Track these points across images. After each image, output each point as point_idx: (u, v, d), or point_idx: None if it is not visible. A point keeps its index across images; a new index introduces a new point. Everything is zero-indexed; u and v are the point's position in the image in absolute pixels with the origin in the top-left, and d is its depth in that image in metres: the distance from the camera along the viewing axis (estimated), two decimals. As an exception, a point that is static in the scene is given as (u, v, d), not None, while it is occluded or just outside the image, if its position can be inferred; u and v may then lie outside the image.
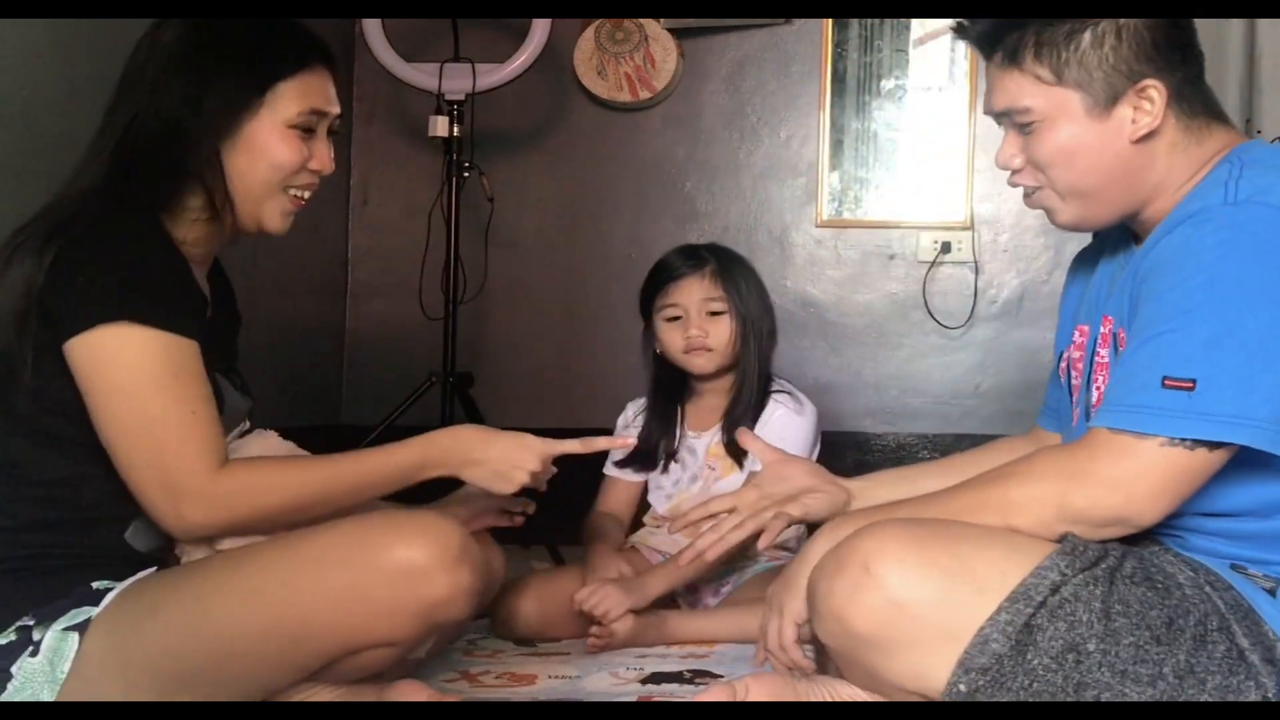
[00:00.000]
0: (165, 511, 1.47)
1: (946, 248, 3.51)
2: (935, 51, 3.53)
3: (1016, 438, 1.88)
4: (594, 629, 2.13)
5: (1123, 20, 1.45)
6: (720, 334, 2.36)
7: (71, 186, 1.57)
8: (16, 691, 1.42)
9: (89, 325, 1.44)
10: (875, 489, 1.79)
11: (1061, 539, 1.39)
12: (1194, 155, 1.47)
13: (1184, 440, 1.32)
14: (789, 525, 1.74)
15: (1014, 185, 1.57)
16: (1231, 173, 1.41)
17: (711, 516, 1.74)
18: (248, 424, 1.71)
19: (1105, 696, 1.32)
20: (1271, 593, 1.40)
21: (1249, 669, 1.34)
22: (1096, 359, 1.55)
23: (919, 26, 3.52)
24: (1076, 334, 1.62)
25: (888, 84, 3.55)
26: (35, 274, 1.46)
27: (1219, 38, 3.15)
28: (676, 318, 2.38)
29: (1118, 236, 1.61)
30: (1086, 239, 1.72)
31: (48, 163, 2.20)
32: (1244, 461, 1.37)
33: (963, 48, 3.48)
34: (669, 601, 2.33)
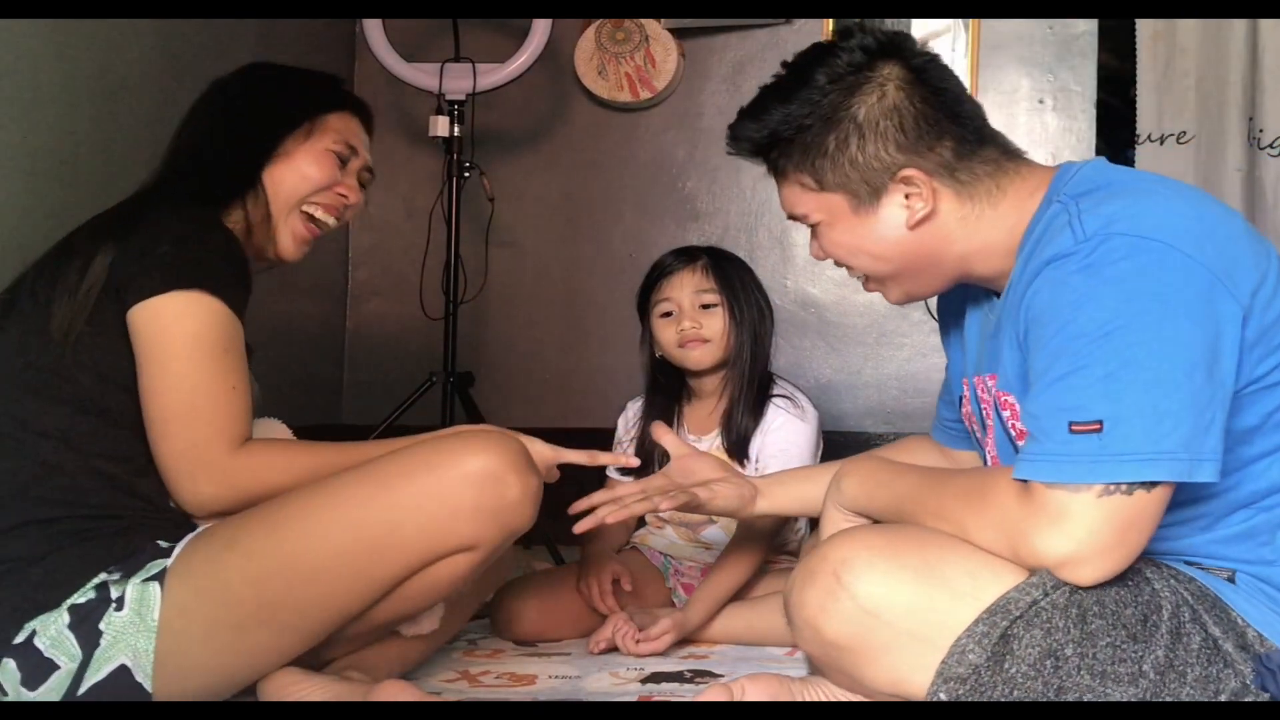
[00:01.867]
0: (182, 480, 1.54)
1: (947, 248, 3.51)
2: (935, 51, 3.52)
3: (920, 437, 1.93)
4: (604, 634, 2.13)
5: (864, 114, 1.46)
6: (714, 326, 2.35)
7: (139, 191, 1.71)
8: (111, 645, 1.46)
9: (158, 291, 1.52)
10: (778, 488, 1.88)
11: None
12: (992, 214, 1.48)
13: (1119, 485, 1.28)
14: (690, 501, 1.80)
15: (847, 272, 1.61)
16: (1070, 209, 1.38)
17: (615, 496, 1.80)
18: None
19: (1086, 698, 1.32)
20: (1230, 580, 1.41)
21: (1225, 658, 1.34)
22: (987, 421, 1.56)
23: (919, 27, 3.52)
24: (965, 388, 1.63)
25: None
26: (106, 257, 1.55)
27: (1221, 37, 3.15)
28: (670, 313, 2.38)
29: (975, 289, 1.61)
30: None
31: (49, 163, 2.21)
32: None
33: (963, 46, 3.49)
34: (666, 603, 2.33)
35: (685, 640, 2.20)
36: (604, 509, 1.76)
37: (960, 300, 1.68)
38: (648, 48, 3.55)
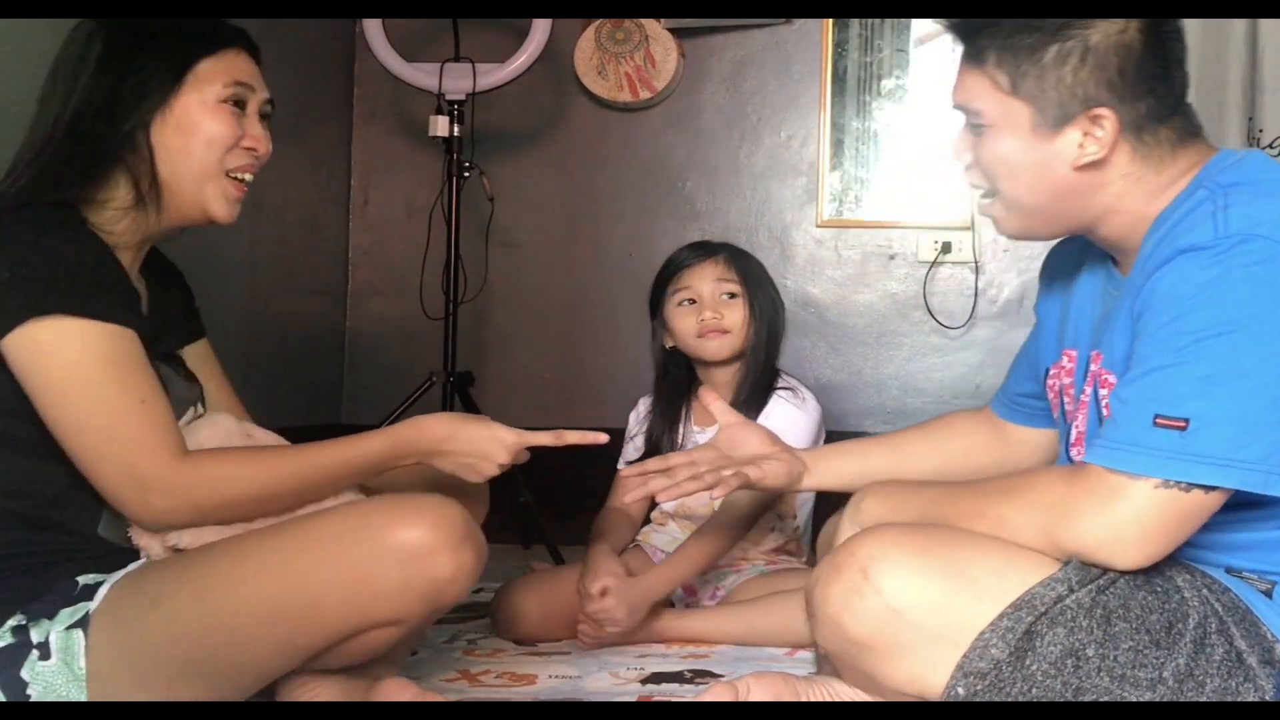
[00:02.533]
0: (132, 503, 1.46)
1: (947, 248, 3.51)
2: (936, 51, 3.52)
3: (967, 413, 1.88)
4: (581, 626, 2.14)
5: (1097, 40, 1.40)
6: (735, 317, 2.36)
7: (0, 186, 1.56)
8: (42, 697, 1.41)
9: (19, 321, 1.41)
10: (826, 461, 1.82)
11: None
12: (1153, 183, 1.44)
13: (1177, 483, 1.29)
14: (743, 485, 1.74)
15: (968, 180, 1.55)
16: (1216, 199, 1.35)
17: (667, 471, 1.74)
18: (202, 409, 1.68)
19: (1104, 701, 1.32)
20: (1268, 594, 1.40)
21: (1247, 671, 1.33)
22: (1082, 395, 1.53)
23: (919, 26, 3.52)
24: (1065, 358, 1.59)
25: (888, 84, 3.55)
26: None
27: (1221, 37, 3.15)
28: (690, 301, 2.38)
29: (1095, 252, 1.57)
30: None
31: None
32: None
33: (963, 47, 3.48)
34: (664, 601, 2.33)
35: (680, 640, 2.20)
36: (656, 482, 1.70)
37: (1074, 266, 1.62)
38: (648, 48, 3.55)
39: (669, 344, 2.43)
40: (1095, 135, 1.41)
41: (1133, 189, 1.44)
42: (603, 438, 1.73)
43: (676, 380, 2.46)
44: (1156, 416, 1.29)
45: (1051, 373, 1.64)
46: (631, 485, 1.75)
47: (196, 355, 1.75)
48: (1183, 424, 1.28)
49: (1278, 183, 1.38)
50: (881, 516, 1.57)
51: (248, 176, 1.63)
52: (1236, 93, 3.14)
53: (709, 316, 2.35)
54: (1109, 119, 1.40)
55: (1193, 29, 3.29)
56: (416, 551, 1.44)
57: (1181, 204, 1.41)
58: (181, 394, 1.64)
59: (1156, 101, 1.42)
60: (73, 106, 1.55)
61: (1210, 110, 3.19)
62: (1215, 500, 1.31)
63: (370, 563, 1.43)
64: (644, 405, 2.51)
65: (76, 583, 1.46)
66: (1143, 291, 1.38)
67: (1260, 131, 3.12)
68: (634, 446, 2.46)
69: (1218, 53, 3.17)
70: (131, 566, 1.49)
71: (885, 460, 1.82)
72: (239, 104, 1.60)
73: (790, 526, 2.41)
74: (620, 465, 2.47)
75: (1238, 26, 3.14)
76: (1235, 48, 3.14)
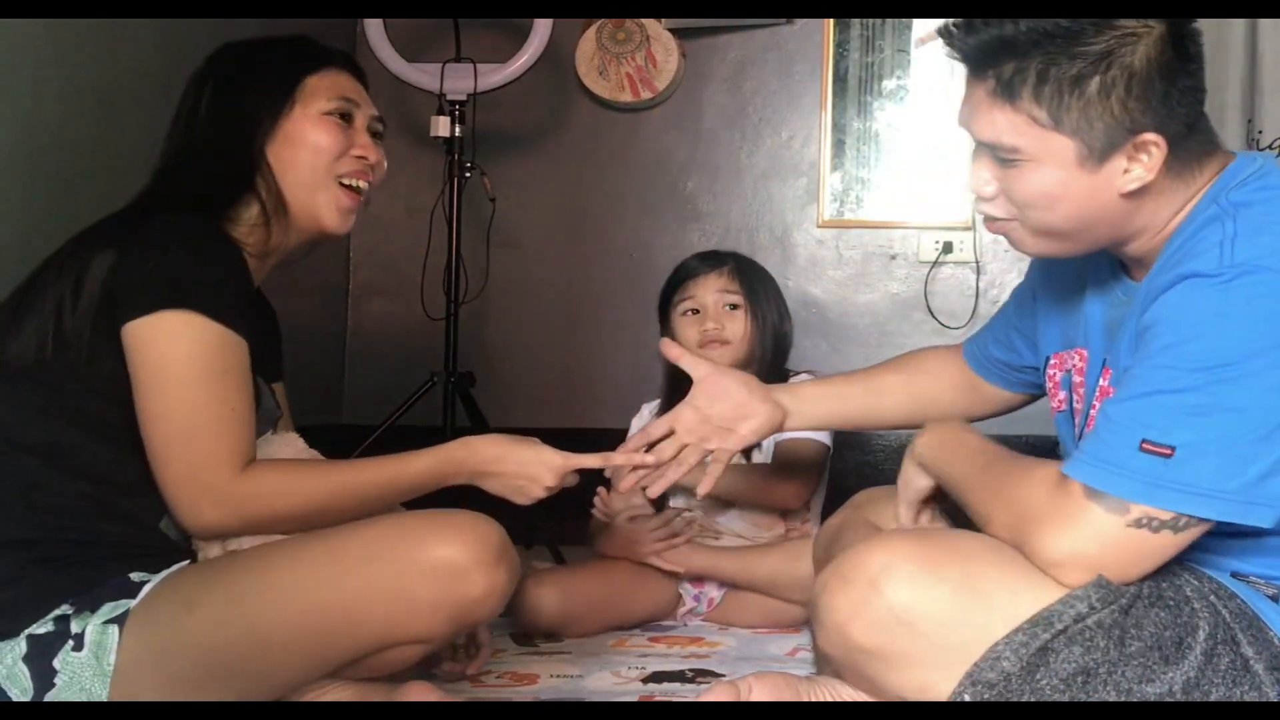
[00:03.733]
0: (184, 505, 1.49)
1: (948, 248, 3.51)
2: (937, 52, 3.52)
3: (938, 353, 1.92)
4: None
5: (1138, 64, 1.32)
6: (736, 328, 2.39)
7: (142, 193, 1.64)
8: (66, 687, 1.42)
9: (150, 310, 1.46)
10: (805, 405, 1.84)
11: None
12: (1179, 197, 1.40)
13: (1152, 520, 1.27)
14: (730, 458, 1.78)
15: (982, 212, 1.47)
16: (1225, 222, 1.32)
17: (652, 445, 1.74)
18: (272, 431, 1.72)
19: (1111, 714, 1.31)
20: (1275, 599, 1.39)
21: (1253, 679, 1.32)
22: (1092, 408, 1.51)
23: (920, 26, 3.52)
24: (1076, 356, 1.57)
25: (889, 84, 3.55)
26: (104, 264, 1.49)
27: (1220, 38, 3.15)
28: (693, 311, 2.41)
29: (1109, 259, 1.54)
30: None
31: (51, 163, 2.21)
32: None
33: (964, 48, 3.48)
34: (673, 601, 2.34)
35: (689, 640, 2.21)
36: (645, 476, 1.73)
37: (1080, 263, 1.57)
38: (649, 48, 3.55)
39: None
40: (1142, 160, 1.35)
41: (1164, 205, 1.40)
42: (649, 459, 1.73)
43: (684, 389, 2.46)
44: (1144, 441, 1.27)
45: (1054, 362, 1.63)
46: (625, 475, 1.75)
47: (276, 395, 1.79)
48: (1169, 451, 1.26)
49: None
50: (927, 459, 1.60)
51: (362, 184, 1.71)
52: (1236, 94, 3.14)
53: (710, 327, 2.38)
54: (1158, 144, 1.34)
55: (1193, 30, 3.29)
56: (450, 569, 1.45)
57: (1197, 216, 1.38)
58: (270, 408, 1.69)
59: (1190, 113, 1.37)
60: (196, 137, 1.65)
61: (1210, 111, 3.15)
62: (1183, 539, 1.29)
63: (404, 579, 1.45)
64: (647, 411, 2.51)
65: (128, 579, 1.48)
66: (1148, 311, 1.37)
67: (1260, 133, 3.12)
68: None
69: (1217, 54, 3.17)
70: (176, 567, 1.50)
71: (861, 401, 1.86)
72: (345, 117, 1.68)
73: (800, 518, 2.42)
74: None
75: (1237, 27, 3.14)
76: (1235, 49, 3.14)
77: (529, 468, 1.64)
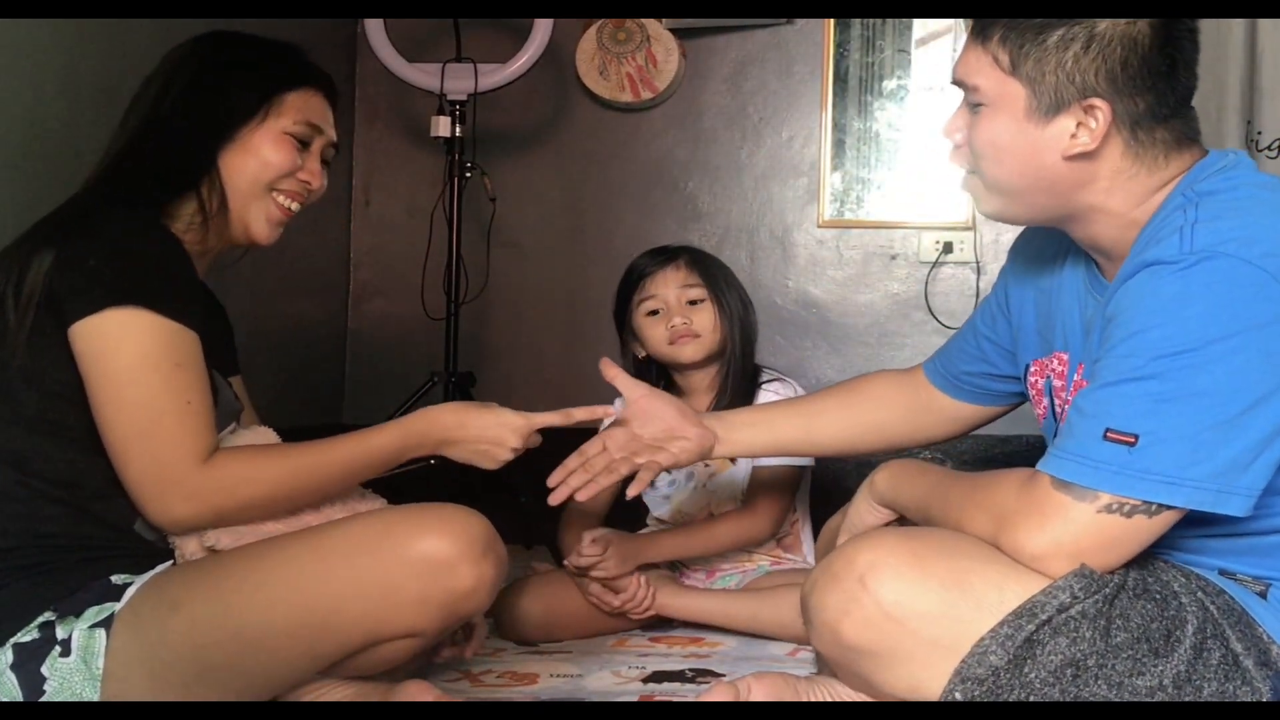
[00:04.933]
0: (151, 502, 1.48)
1: (948, 248, 3.52)
2: (937, 51, 3.53)
3: (889, 377, 1.90)
4: (585, 550, 2.17)
5: (1104, 29, 1.37)
6: (703, 321, 2.34)
7: (81, 190, 1.62)
8: (57, 693, 1.42)
9: (96, 308, 1.44)
10: (735, 432, 1.84)
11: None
12: (1143, 184, 1.41)
13: (1123, 504, 1.28)
14: (659, 472, 1.79)
15: (951, 162, 1.52)
16: (1187, 212, 1.34)
17: (584, 460, 1.75)
18: (235, 425, 1.71)
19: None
20: (1263, 595, 1.40)
21: (1243, 674, 1.33)
22: (1063, 408, 1.53)
23: (921, 27, 3.52)
24: (1055, 360, 1.58)
25: (889, 84, 3.55)
26: (43, 264, 1.47)
27: (1219, 40, 3.15)
28: (656, 311, 2.36)
29: (1076, 249, 1.55)
30: None
31: (51, 164, 2.21)
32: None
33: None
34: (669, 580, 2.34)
35: (689, 640, 2.21)
36: (574, 478, 1.73)
37: (1054, 257, 1.61)
38: (649, 48, 3.56)
39: (641, 355, 2.42)
40: (1088, 126, 1.39)
41: (1121, 188, 1.42)
42: (610, 411, 1.76)
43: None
44: (1107, 430, 1.29)
45: (1034, 369, 1.63)
46: (557, 484, 1.75)
47: (234, 389, 1.78)
48: (1132, 440, 1.27)
49: (1253, 194, 1.37)
50: (885, 494, 1.60)
51: (294, 205, 1.70)
52: (1235, 95, 3.14)
53: (678, 322, 2.33)
54: (1103, 110, 1.38)
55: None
56: (437, 563, 1.45)
57: (1164, 209, 1.40)
58: (230, 402, 1.67)
59: (1156, 100, 1.39)
60: (158, 124, 1.63)
61: (1209, 112, 3.19)
62: (1159, 524, 1.30)
63: (391, 573, 1.44)
64: (619, 405, 2.49)
65: (109, 581, 1.48)
66: (1111, 302, 1.38)
67: (1259, 134, 3.12)
68: None
69: (1217, 55, 3.17)
70: (159, 568, 1.50)
71: (793, 429, 1.86)
72: (304, 142, 1.68)
73: (789, 521, 2.41)
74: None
75: (1236, 29, 3.14)
76: (1234, 50, 3.14)
77: (490, 431, 1.64)
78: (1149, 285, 1.32)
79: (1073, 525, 1.30)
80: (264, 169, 1.64)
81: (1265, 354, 1.27)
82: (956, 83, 1.48)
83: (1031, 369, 1.64)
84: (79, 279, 1.46)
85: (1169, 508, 1.29)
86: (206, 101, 1.63)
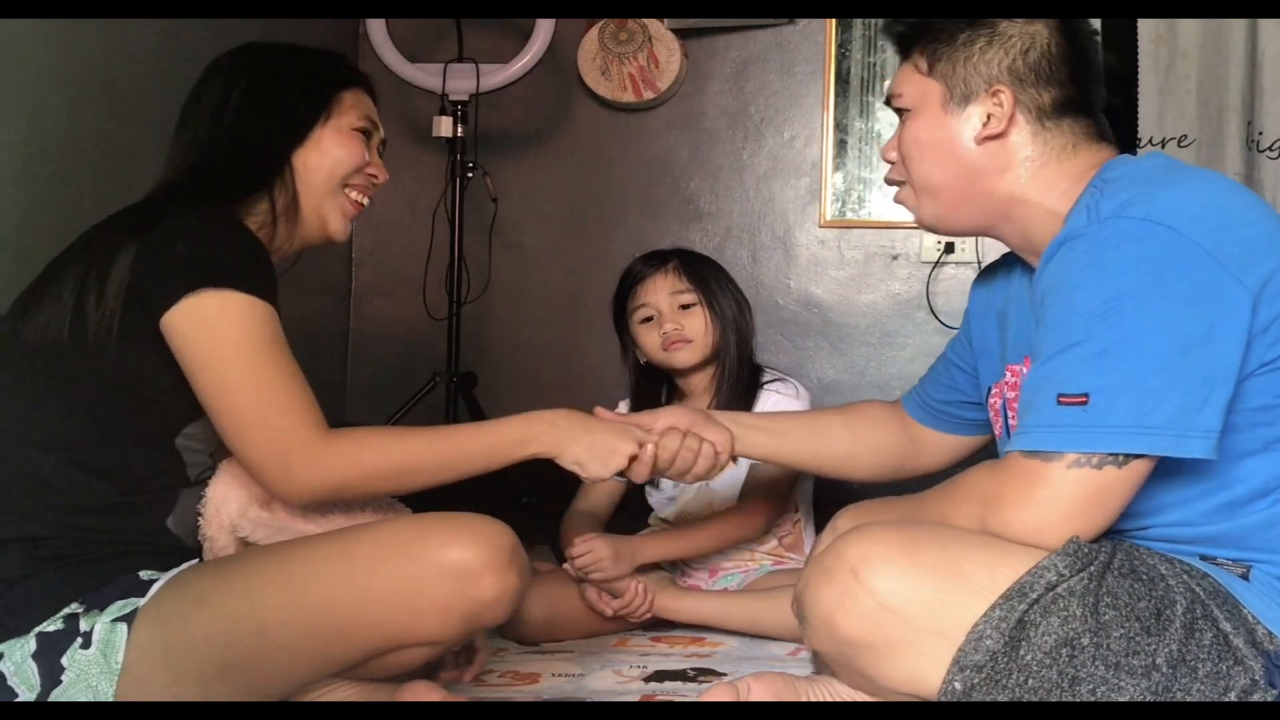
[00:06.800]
0: (274, 473, 1.49)
1: (950, 248, 3.52)
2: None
3: (880, 405, 1.97)
4: (573, 552, 2.18)
5: (1005, 27, 1.52)
6: (695, 325, 2.34)
7: (153, 192, 1.65)
8: (72, 684, 1.43)
9: (188, 292, 1.47)
10: (749, 434, 1.87)
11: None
12: (1056, 172, 1.52)
13: (1090, 458, 1.33)
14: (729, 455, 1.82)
15: (887, 180, 1.66)
16: (1094, 194, 1.43)
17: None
18: None
19: (1100, 690, 1.32)
20: (1244, 577, 1.42)
21: (1236, 654, 1.34)
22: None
23: (922, 27, 3.52)
24: (1009, 374, 1.65)
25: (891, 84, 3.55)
26: (127, 255, 1.49)
27: (1220, 40, 3.15)
28: (649, 318, 2.37)
29: (1020, 269, 1.64)
30: None
31: (52, 164, 2.21)
32: (1175, 471, 1.39)
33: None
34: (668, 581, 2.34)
35: (691, 640, 2.21)
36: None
37: (1006, 285, 1.70)
38: (651, 48, 3.56)
39: (643, 360, 2.43)
40: (995, 112, 1.52)
41: (1035, 175, 1.52)
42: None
43: (654, 393, 2.45)
44: (1060, 395, 1.35)
45: (994, 392, 1.70)
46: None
47: None
48: (1084, 399, 1.33)
49: (1156, 173, 1.45)
50: (853, 523, 1.61)
51: (365, 199, 1.77)
52: (1235, 96, 3.15)
53: (670, 329, 2.33)
54: (1006, 95, 1.52)
55: (1192, 31, 3.32)
56: (463, 572, 1.45)
57: (1080, 200, 1.47)
58: None
59: (1061, 95, 1.52)
60: (225, 129, 1.66)
61: (1210, 114, 3.19)
62: (1133, 474, 1.35)
63: (416, 580, 1.45)
64: (624, 408, 2.50)
65: (137, 577, 1.49)
66: (1038, 288, 1.45)
67: (1260, 134, 3.13)
68: None
69: (1217, 55, 3.18)
70: (185, 565, 1.51)
71: (801, 442, 1.90)
72: (366, 135, 1.76)
73: (790, 520, 2.41)
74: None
75: (1237, 29, 3.14)
76: (1235, 52, 3.14)
77: (609, 436, 1.68)
78: (1065, 258, 1.40)
79: (1050, 488, 1.35)
80: (338, 165, 1.71)
81: (1184, 299, 1.32)
82: (887, 102, 1.64)
83: (992, 392, 1.71)
84: (165, 270, 1.48)
85: (1136, 456, 1.33)
86: (272, 106, 1.69)
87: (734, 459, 2.27)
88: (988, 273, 1.79)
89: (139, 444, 1.52)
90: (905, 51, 1.61)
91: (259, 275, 1.52)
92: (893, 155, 1.63)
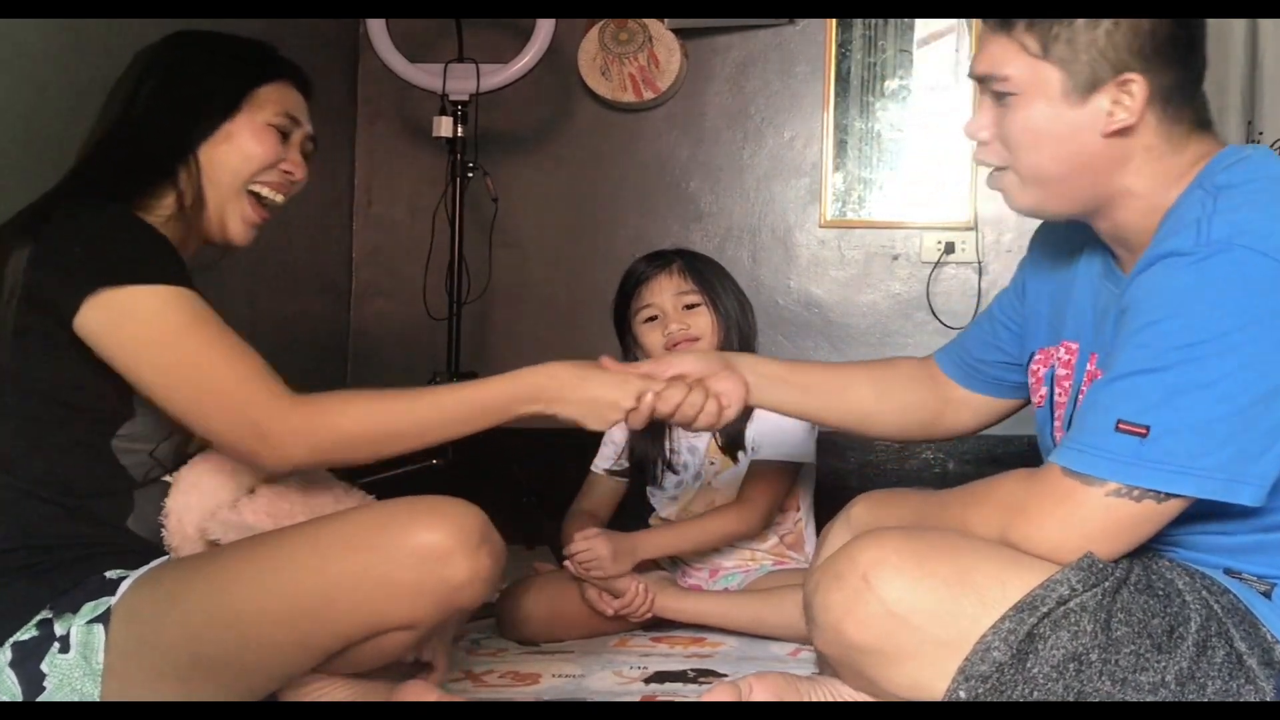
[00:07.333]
0: (251, 444, 1.46)
1: (950, 248, 3.52)
2: (939, 51, 3.53)
3: (910, 362, 1.85)
4: (573, 548, 2.19)
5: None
6: (701, 324, 2.34)
7: (53, 188, 1.60)
8: (56, 689, 1.42)
9: (91, 292, 1.43)
10: (765, 387, 1.75)
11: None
12: (1169, 165, 1.42)
13: (1132, 490, 1.30)
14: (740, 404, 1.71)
15: (978, 160, 1.51)
16: (1204, 201, 1.35)
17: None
18: None
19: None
20: (1267, 595, 1.40)
21: (1248, 673, 1.33)
22: (1079, 395, 1.52)
23: (923, 26, 3.52)
24: (1063, 349, 1.58)
25: (891, 84, 3.55)
26: (20, 260, 1.46)
27: (1221, 38, 3.15)
28: (653, 318, 2.36)
29: (1092, 238, 1.55)
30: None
31: (52, 164, 2.20)
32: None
33: (966, 47, 3.49)
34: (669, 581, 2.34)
35: (691, 640, 2.21)
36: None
37: (1070, 249, 1.60)
38: (651, 48, 3.56)
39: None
40: (1124, 102, 1.39)
41: (1151, 167, 1.42)
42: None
43: None
44: (1119, 422, 1.30)
45: (1038, 357, 1.63)
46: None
47: None
48: (1144, 431, 1.29)
49: (1270, 186, 1.37)
50: (870, 524, 1.58)
51: (278, 198, 1.69)
52: (1235, 95, 3.14)
53: (675, 329, 2.32)
54: (1138, 84, 1.38)
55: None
56: (432, 554, 1.43)
57: (1182, 200, 1.40)
58: None
59: (1184, 74, 1.41)
60: (133, 118, 1.62)
61: (1211, 114, 3.19)
62: (1169, 509, 1.31)
63: (386, 564, 1.43)
64: None
65: (104, 577, 1.47)
66: (1127, 292, 1.39)
67: (1260, 134, 3.12)
68: (611, 448, 2.45)
69: (1218, 55, 3.17)
70: (155, 563, 1.50)
71: (824, 394, 1.79)
72: (284, 133, 1.67)
73: (792, 519, 2.41)
74: (594, 467, 2.47)
75: (1238, 28, 3.14)
76: (1234, 50, 3.14)
77: (607, 389, 1.62)
78: (1164, 277, 1.33)
79: (1081, 511, 1.32)
80: (247, 161, 1.64)
81: (1278, 345, 1.28)
82: (979, 77, 1.46)
83: (1036, 357, 1.64)
84: (64, 271, 1.44)
85: (1178, 496, 1.30)
86: (182, 95, 1.63)
87: (740, 451, 2.27)
88: (1050, 234, 1.67)
89: (73, 450, 1.49)
90: (1006, 24, 1.42)
91: (160, 263, 1.47)
92: (985, 135, 1.47)
